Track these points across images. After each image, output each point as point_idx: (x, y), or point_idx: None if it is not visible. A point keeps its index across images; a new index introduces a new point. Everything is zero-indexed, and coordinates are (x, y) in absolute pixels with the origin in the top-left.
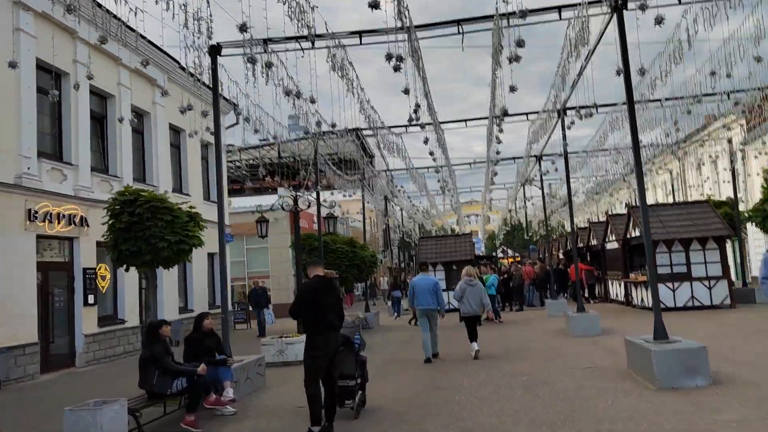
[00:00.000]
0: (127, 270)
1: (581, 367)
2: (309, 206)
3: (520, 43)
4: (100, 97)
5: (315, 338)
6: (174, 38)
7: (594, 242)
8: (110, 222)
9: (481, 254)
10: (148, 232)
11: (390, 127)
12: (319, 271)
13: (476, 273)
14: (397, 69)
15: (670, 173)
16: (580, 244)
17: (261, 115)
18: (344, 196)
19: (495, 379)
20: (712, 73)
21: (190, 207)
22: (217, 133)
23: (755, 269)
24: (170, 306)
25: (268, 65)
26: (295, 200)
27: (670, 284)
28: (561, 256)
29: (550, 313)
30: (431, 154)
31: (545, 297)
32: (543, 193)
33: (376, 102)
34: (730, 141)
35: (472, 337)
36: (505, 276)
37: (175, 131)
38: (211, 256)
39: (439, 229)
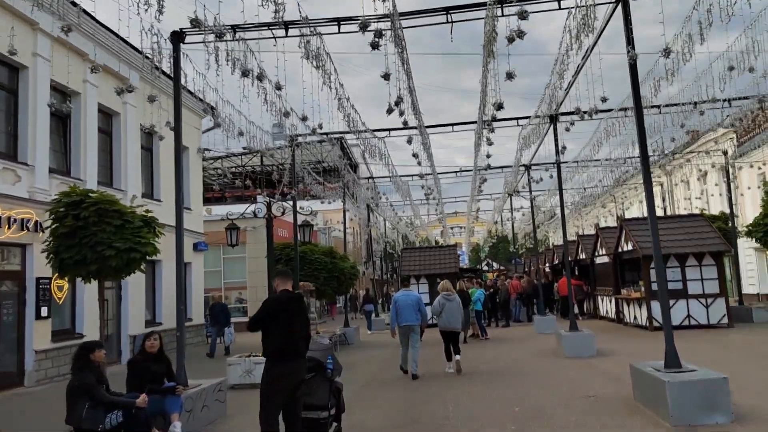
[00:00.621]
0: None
1: (580, 396)
2: (283, 213)
3: (519, 34)
4: (63, 94)
5: (277, 366)
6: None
7: (582, 256)
8: (53, 227)
9: (465, 267)
10: (94, 239)
11: (373, 130)
12: (288, 285)
13: (463, 287)
14: (375, 46)
15: (661, 186)
16: (556, 261)
17: (240, 119)
18: (322, 203)
19: (482, 410)
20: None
21: (146, 211)
22: (177, 129)
23: (748, 286)
24: (136, 319)
25: (234, 58)
26: (269, 206)
27: None
28: (547, 269)
29: (539, 329)
30: (415, 156)
31: (532, 312)
32: (532, 203)
33: (362, 116)
34: (725, 153)
35: (450, 354)
36: (491, 290)
37: (148, 134)
38: (184, 266)
39: (423, 241)
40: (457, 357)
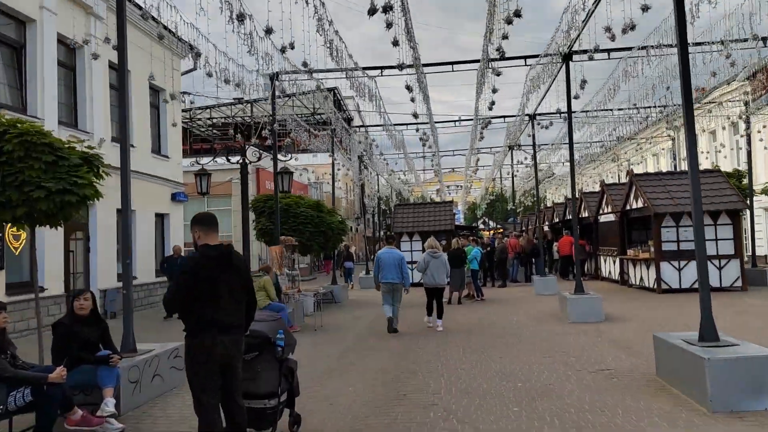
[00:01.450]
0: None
1: (593, 370)
2: (259, 158)
3: None
4: (17, 21)
5: (197, 343)
6: None
7: (585, 214)
8: None
9: (460, 224)
10: (20, 177)
11: (364, 68)
12: (212, 237)
13: (459, 244)
14: None
15: (673, 141)
16: (556, 219)
17: (224, 61)
18: (315, 156)
19: (480, 384)
20: None
21: (88, 147)
22: (121, 49)
23: (757, 248)
24: (107, 273)
25: None
26: (243, 150)
27: (675, 263)
28: (546, 228)
29: (538, 291)
30: (409, 89)
31: (530, 273)
32: (535, 155)
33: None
34: (747, 104)
35: (431, 309)
36: (488, 249)
37: (118, 71)
38: (160, 217)
39: (418, 198)
40: (439, 324)
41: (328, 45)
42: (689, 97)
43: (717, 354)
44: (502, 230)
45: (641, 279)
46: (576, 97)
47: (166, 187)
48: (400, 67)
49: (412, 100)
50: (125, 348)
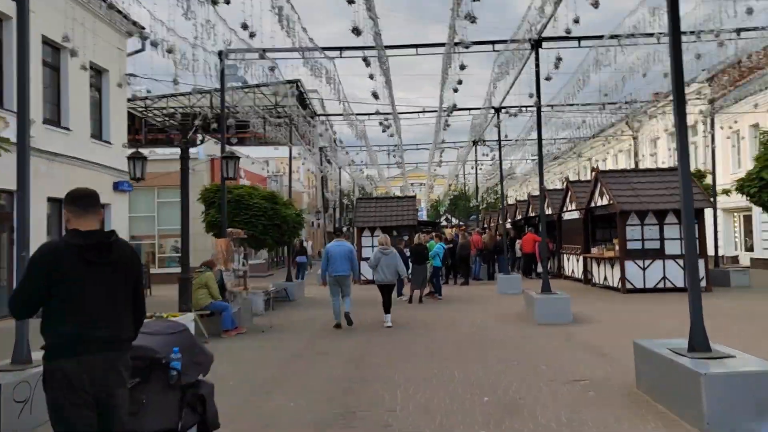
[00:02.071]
0: None
1: (565, 381)
2: (202, 141)
3: None
4: None
5: (57, 366)
6: None
7: (549, 211)
8: None
9: (424, 220)
10: None
11: (323, 48)
12: (87, 221)
13: (421, 240)
14: None
15: (635, 140)
16: (519, 216)
17: (177, 42)
18: (276, 149)
19: (442, 399)
20: None
21: None
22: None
23: (724, 248)
24: None
25: None
26: (184, 132)
27: (640, 262)
28: (508, 226)
29: (501, 289)
30: (366, 62)
31: (493, 270)
32: (500, 148)
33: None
34: (712, 101)
35: (388, 307)
36: (451, 245)
37: (54, 48)
38: (101, 207)
39: (382, 194)
40: (387, 319)
41: (277, 11)
42: (681, 87)
43: (714, 368)
44: (464, 227)
45: (605, 278)
46: (548, 79)
47: (107, 176)
48: (363, 53)
49: (371, 76)
50: (17, 358)
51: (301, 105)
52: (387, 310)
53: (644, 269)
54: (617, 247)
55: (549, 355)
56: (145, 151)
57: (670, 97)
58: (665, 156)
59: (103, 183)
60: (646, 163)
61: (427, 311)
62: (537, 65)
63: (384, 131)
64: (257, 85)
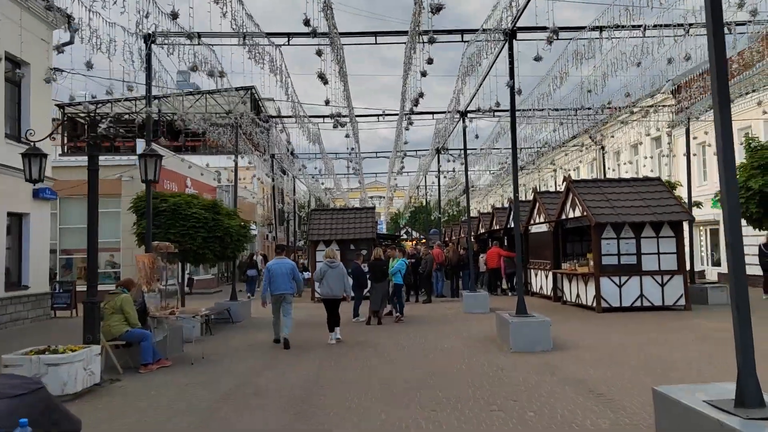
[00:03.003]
0: None
1: None
2: (114, 138)
3: None
4: None
5: None
6: None
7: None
8: None
9: (383, 234)
10: None
11: (268, 34)
12: None
13: (380, 254)
14: None
15: (602, 150)
16: (482, 230)
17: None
18: (229, 158)
19: None
20: None
21: None
22: None
23: (701, 264)
24: None
25: None
26: (93, 126)
27: (616, 279)
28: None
29: (468, 308)
30: (322, 78)
31: (456, 287)
32: (465, 154)
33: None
34: (687, 108)
35: (332, 324)
36: (413, 261)
37: None
38: (17, 217)
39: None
40: (337, 334)
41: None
42: (724, 80)
43: None
44: (424, 240)
45: (578, 296)
46: (539, 58)
47: (27, 182)
48: (313, 33)
49: (319, 53)
50: None
51: (256, 112)
52: (332, 327)
53: (620, 286)
54: (591, 263)
55: (534, 397)
56: (46, 147)
57: (631, 109)
58: (629, 168)
59: (20, 190)
60: (614, 176)
61: (387, 335)
62: (511, 58)
63: (335, 127)
64: (209, 92)
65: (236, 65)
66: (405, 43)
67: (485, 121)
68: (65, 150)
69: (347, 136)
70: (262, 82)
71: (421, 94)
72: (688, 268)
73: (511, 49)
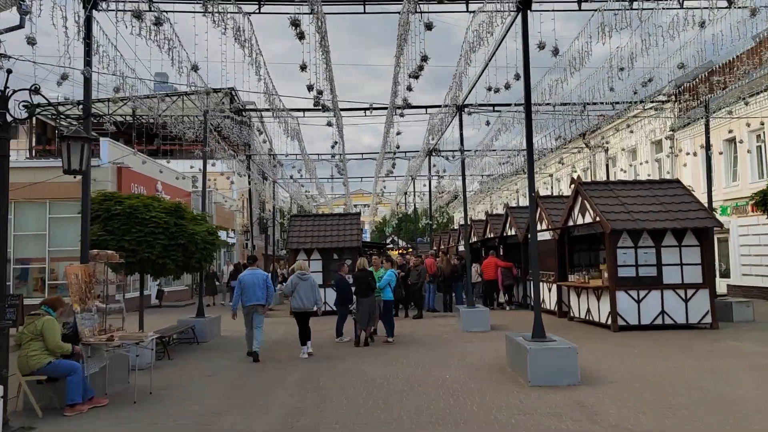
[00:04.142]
0: None
1: None
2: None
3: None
4: None
5: None
6: None
7: (512, 232)
8: None
9: (368, 242)
10: None
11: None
12: None
13: (365, 264)
14: None
15: (606, 151)
16: (475, 239)
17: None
18: (213, 165)
19: None
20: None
21: None
22: None
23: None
24: None
25: None
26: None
27: (634, 293)
28: (461, 248)
29: (465, 326)
30: (304, 69)
31: (449, 300)
32: (462, 152)
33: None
34: (706, 105)
35: (304, 337)
36: (401, 272)
37: None
38: None
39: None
40: (304, 350)
41: None
42: None
43: None
44: (411, 249)
45: (588, 311)
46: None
47: None
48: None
49: (295, 24)
50: None
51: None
52: (304, 341)
53: (639, 302)
54: (605, 275)
55: None
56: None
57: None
58: (625, 176)
59: None
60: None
61: (375, 361)
62: (525, 32)
63: (316, 104)
64: (186, 93)
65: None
66: (399, 12)
67: (487, 116)
68: (33, 153)
69: (329, 124)
70: (235, 74)
71: (420, 67)
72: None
73: (525, 22)
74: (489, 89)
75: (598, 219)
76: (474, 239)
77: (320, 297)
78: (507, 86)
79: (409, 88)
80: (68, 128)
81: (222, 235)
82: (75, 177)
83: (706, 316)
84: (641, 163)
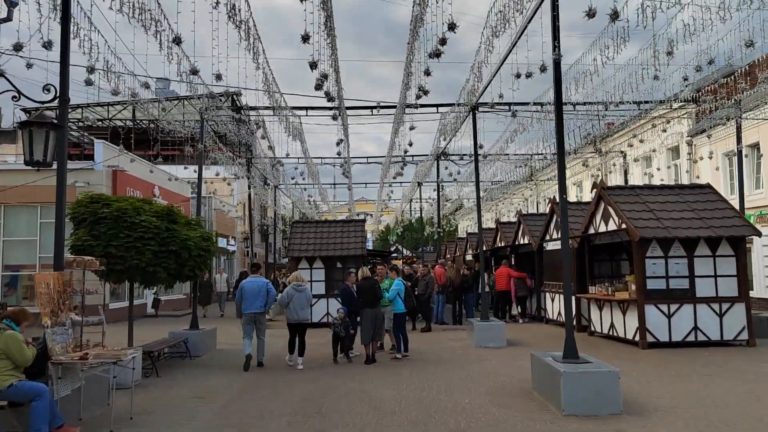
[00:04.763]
0: None
1: None
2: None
3: None
4: None
5: None
6: None
7: (525, 240)
8: None
9: (372, 250)
10: None
11: None
12: None
13: (365, 273)
14: None
15: (624, 157)
16: (500, 244)
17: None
18: (217, 175)
19: None
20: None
21: None
22: None
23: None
24: None
25: None
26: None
27: (663, 306)
28: (468, 257)
29: (480, 341)
30: (307, 41)
31: (460, 312)
32: (476, 149)
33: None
34: (738, 102)
35: (293, 346)
36: (409, 283)
37: None
38: None
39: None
40: (299, 361)
41: None
42: None
43: None
44: (415, 258)
45: (612, 326)
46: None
47: None
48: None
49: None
50: None
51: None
52: (300, 352)
53: (669, 316)
54: (633, 287)
55: None
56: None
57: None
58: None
59: None
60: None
61: (384, 381)
62: (555, 13)
63: (318, 86)
64: (187, 97)
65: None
66: None
67: (504, 115)
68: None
69: (335, 117)
70: (228, 57)
71: (441, 45)
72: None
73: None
74: (518, 76)
75: (624, 226)
76: (483, 248)
77: (310, 308)
78: (543, 69)
79: (427, 73)
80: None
81: (222, 242)
82: (38, 169)
83: (742, 332)
84: (658, 169)
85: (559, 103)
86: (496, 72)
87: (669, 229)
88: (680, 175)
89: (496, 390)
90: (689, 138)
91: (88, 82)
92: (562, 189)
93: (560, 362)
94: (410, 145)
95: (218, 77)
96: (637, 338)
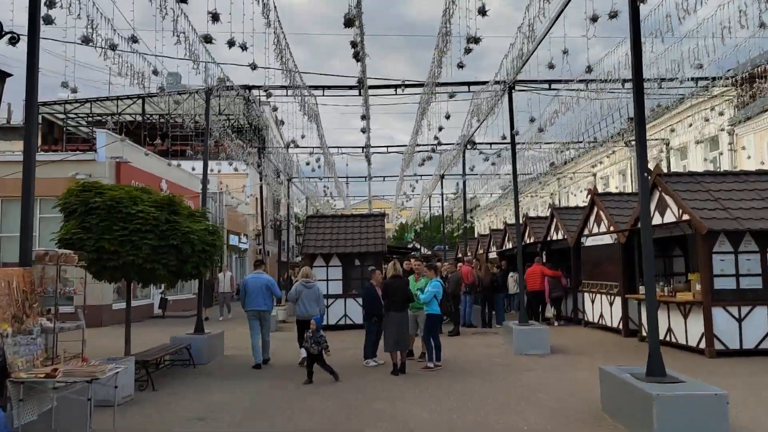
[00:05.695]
0: None
1: None
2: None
3: None
4: None
5: None
6: None
7: (558, 236)
8: None
9: (392, 246)
10: None
11: None
12: None
13: (398, 270)
14: None
15: (667, 145)
16: (528, 240)
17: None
18: (231, 164)
19: None
20: None
21: None
22: None
23: None
24: None
25: None
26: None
27: (734, 309)
28: (492, 255)
29: (518, 347)
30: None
31: (490, 314)
32: (512, 127)
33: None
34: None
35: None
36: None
37: None
38: None
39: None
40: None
41: None
42: None
43: None
44: (439, 254)
45: (669, 331)
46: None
47: None
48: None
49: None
50: None
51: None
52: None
53: (740, 320)
54: (697, 287)
55: None
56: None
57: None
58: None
59: None
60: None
61: (417, 399)
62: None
63: (348, 22)
64: (196, 91)
65: None
66: None
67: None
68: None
69: (359, 81)
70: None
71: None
72: None
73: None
74: (594, 19)
75: (686, 217)
76: (509, 245)
77: (324, 306)
78: (612, 15)
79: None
80: (76, 127)
81: (233, 240)
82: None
83: None
84: (696, 161)
85: (638, 53)
86: (541, 41)
87: (739, 221)
88: (721, 163)
89: (554, 409)
90: (730, 127)
91: (86, 40)
92: (643, 163)
93: (644, 381)
94: (440, 130)
95: (230, 43)
96: (701, 345)
